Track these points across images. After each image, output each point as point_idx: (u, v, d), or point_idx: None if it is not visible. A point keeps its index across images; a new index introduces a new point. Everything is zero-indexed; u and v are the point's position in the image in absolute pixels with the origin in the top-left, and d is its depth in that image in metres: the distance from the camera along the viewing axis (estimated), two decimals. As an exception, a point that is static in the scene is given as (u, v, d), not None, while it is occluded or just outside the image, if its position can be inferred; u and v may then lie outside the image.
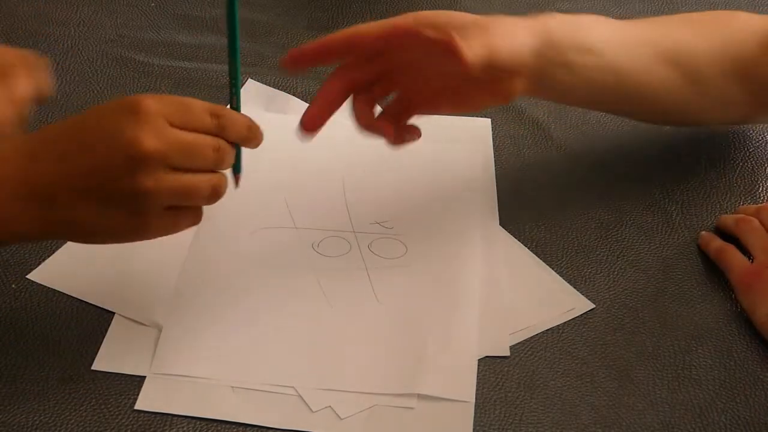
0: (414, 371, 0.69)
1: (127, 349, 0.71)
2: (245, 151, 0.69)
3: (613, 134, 0.90)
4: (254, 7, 1.06)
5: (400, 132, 0.76)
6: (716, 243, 0.80)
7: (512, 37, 0.72)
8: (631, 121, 0.90)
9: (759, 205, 0.83)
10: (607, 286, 0.77)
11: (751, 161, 0.89)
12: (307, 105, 0.75)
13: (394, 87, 0.76)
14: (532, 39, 0.73)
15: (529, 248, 0.80)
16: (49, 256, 0.77)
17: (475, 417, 0.67)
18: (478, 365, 0.71)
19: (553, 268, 0.78)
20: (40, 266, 0.76)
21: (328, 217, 0.82)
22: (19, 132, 0.68)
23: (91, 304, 0.74)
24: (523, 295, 0.76)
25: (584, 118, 0.92)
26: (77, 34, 1.02)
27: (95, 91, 0.95)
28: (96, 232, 0.65)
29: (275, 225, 0.81)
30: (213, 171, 0.65)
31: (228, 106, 0.68)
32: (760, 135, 0.92)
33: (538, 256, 0.79)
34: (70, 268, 0.76)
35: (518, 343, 0.72)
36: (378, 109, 0.76)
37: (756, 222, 0.79)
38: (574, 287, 0.77)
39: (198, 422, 0.67)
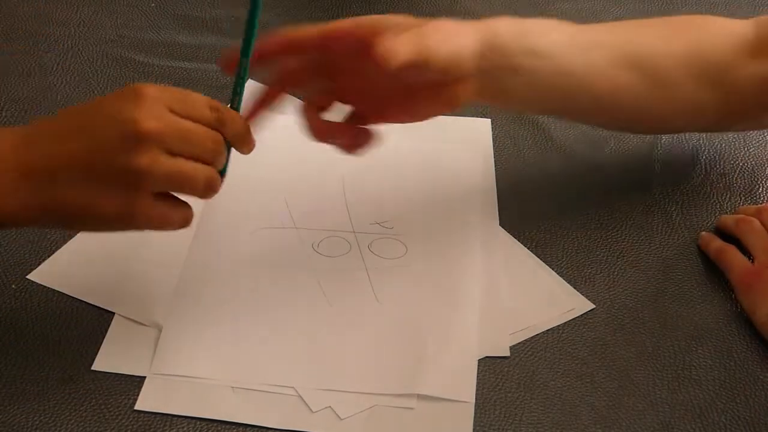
0: (414, 371, 0.69)
1: (127, 349, 0.71)
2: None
3: (613, 134, 0.90)
4: (254, 7, 1.06)
5: (352, 138, 0.74)
6: (716, 243, 0.80)
7: (451, 39, 0.69)
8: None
9: (759, 205, 0.83)
10: (607, 287, 0.77)
11: (751, 161, 0.89)
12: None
13: (342, 96, 0.74)
14: (473, 42, 0.70)
15: (529, 248, 0.80)
16: (49, 256, 0.77)
17: (475, 417, 0.67)
18: (478, 365, 0.71)
19: (553, 269, 0.78)
20: (40, 266, 0.76)
21: (328, 217, 0.82)
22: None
23: (91, 304, 0.74)
24: (523, 296, 0.76)
25: (584, 118, 0.92)
26: (77, 34, 1.02)
27: (95, 91, 0.95)
28: (86, 216, 0.64)
29: (275, 225, 0.81)
30: (208, 164, 0.65)
31: (228, 106, 0.68)
32: (760, 135, 0.92)
33: (538, 257, 0.79)
34: (70, 268, 0.76)
35: (518, 343, 0.72)
36: (328, 117, 0.74)
37: (756, 222, 0.79)
38: (574, 287, 0.77)
39: (198, 422, 0.67)
